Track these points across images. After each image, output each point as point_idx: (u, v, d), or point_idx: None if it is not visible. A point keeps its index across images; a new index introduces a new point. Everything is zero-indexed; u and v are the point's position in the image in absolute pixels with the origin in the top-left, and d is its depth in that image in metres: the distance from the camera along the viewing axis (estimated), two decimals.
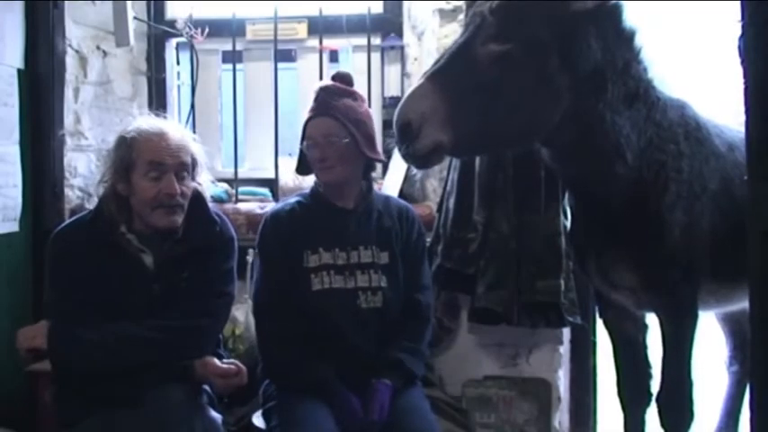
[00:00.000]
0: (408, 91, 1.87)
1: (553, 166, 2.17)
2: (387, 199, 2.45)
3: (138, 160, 2.07)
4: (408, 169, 3.02)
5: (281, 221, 2.31)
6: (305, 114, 2.32)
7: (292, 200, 2.39)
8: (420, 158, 1.88)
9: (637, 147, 2.01)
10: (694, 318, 2.13)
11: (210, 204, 2.25)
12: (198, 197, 2.18)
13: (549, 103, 1.90)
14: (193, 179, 2.16)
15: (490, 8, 1.86)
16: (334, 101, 2.27)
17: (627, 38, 2.00)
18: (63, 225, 2.24)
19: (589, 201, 2.15)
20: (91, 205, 2.20)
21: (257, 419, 2.28)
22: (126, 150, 2.08)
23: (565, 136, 1.98)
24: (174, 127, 2.19)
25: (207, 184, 2.26)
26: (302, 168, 2.39)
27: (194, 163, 2.15)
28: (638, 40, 2.03)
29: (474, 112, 1.83)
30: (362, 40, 3.15)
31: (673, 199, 2.03)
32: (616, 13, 1.95)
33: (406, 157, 1.91)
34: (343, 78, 2.35)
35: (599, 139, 1.98)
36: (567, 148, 2.02)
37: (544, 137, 1.99)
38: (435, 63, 1.90)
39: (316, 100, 2.29)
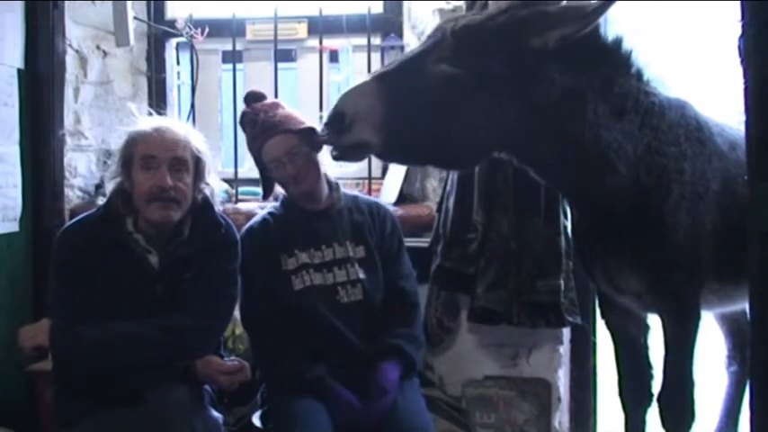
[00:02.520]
0: (353, 84, 1.89)
1: (546, 185, 2.17)
2: (355, 197, 2.50)
3: (135, 155, 2.10)
4: (408, 169, 3.02)
5: (255, 236, 2.34)
6: (248, 144, 2.35)
7: (264, 213, 2.42)
8: (340, 149, 1.90)
9: (633, 155, 2.00)
10: (697, 318, 2.13)
11: (218, 207, 2.26)
12: (205, 200, 2.18)
13: (489, 133, 1.91)
14: (200, 179, 2.16)
15: (452, 29, 1.87)
16: (273, 117, 2.31)
17: (607, 56, 1.99)
18: (71, 222, 2.24)
19: (590, 210, 2.15)
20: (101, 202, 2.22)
21: (257, 420, 2.29)
22: (126, 146, 2.12)
23: (549, 157, 1.99)
24: (177, 124, 2.20)
25: (216, 185, 2.27)
26: (267, 193, 2.44)
27: (198, 162, 2.15)
28: (624, 51, 2.02)
29: (409, 123, 1.85)
30: (362, 40, 3.15)
31: (676, 201, 2.02)
32: (591, 37, 1.91)
33: (327, 142, 1.94)
34: (258, 96, 2.38)
35: (584, 157, 1.98)
36: (552, 168, 2.03)
37: (477, 164, 2.03)
38: (389, 64, 1.92)
39: (254, 125, 2.31)
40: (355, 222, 2.38)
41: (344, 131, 1.85)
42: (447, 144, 1.91)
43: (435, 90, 1.85)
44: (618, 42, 2.01)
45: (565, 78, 1.91)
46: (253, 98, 2.38)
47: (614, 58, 2.00)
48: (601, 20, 1.86)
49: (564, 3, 1.95)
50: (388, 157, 2.11)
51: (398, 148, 1.92)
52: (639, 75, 2.05)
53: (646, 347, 2.37)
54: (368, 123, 1.84)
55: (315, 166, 2.33)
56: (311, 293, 2.27)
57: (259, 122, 2.31)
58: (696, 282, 2.11)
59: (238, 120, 2.41)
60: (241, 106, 3.28)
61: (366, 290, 2.31)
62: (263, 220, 2.37)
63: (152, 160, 2.07)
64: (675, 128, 2.07)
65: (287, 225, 2.35)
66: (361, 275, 2.31)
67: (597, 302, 2.47)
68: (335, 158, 2.00)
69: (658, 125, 2.04)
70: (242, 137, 3.36)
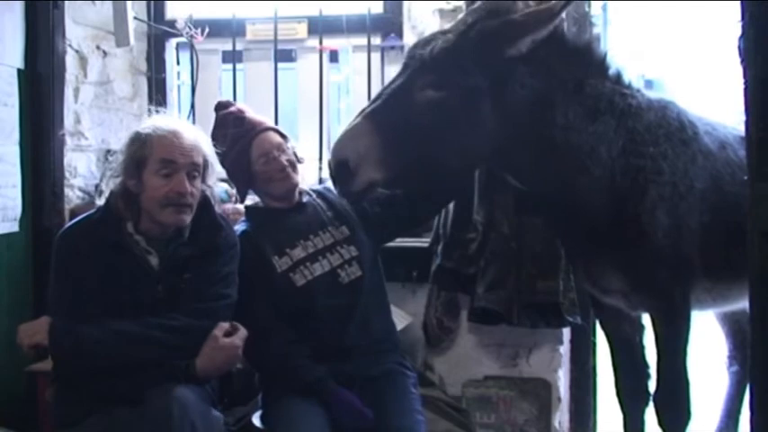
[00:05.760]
0: (345, 128, 1.95)
1: (522, 188, 2.18)
2: (312, 189, 2.53)
3: (151, 157, 2.08)
4: None
5: (241, 247, 2.27)
6: (231, 143, 2.34)
7: (238, 227, 2.38)
8: (354, 194, 1.98)
9: (607, 157, 2.03)
10: (687, 317, 2.14)
11: (217, 208, 2.26)
12: (205, 201, 2.18)
13: (478, 144, 1.96)
14: (204, 181, 2.16)
15: (432, 55, 1.91)
16: (253, 118, 2.39)
17: (578, 53, 2.03)
18: (71, 223, 2.23)
19: (568, 212, 2.15)
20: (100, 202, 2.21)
21: (257, 420, 2.29)
22: (139, 147, 2.09)
23: (521, 162, 2.02)
24: (188, 127, 2.19)
25: (216, 185, 2.27)
26: (244, 197, 2.46)
27: (206, 165, 2.16)
28: (596, 53, 2.07)
29: (407, 152, 1.91)
30: (362, 40, 3.15)
31: (653, 201, 2.04)
32: (556, 37, 1.95)
33: (339, 193, 2.02)
34: (227, 103, 2.47)
35: (555, 160, 2.01)
36: (525, 172, 2.06)
37: (470, 176, 2.08)
38: (373, 101, 1.97)
39: (241, 123, 2.36)
40: (325, 208, 2.41)
41: (352, 177, 1.91)
42: (444, 163, 1.97)
43: (425, 116, 1.90)
44: (588, 44, 2.08)
45: (534, 80, 1.95)
46: (224, 105, 2.46)
47: (585, 60, 2.04)
48: (564, 17, 1.93)
49: (521, 5, 1.98)
50: (393, 187, 2.14)
51: (401, 177, 1.97)
52: (617, 77, 2.08)
53: (641, 347, 2.38)
54: (371, 162, 1.89)
55: (296, 162, 2.39)
56: (315, 285, 2.27)
57: (247, 119, 2.38)
58: (683, 280, 2.12)
59: (217, 122, 2.41)
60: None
61: (363, 265, 2.33)
62: (242, 232, 2.34)
63: (171, 165, 2.06)
64: (654, 129, 2.08)
65: (267, 228, 2.35)
66: (354, 252, 2.34)
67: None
68: (351, 203, 2.13)
69: (634, 126, 2.06)
70: None
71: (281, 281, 2.27)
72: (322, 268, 2.30)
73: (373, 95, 3.05)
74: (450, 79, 1.90)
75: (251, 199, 2.51)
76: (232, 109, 2.42)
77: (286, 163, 2.33)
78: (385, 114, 1.92)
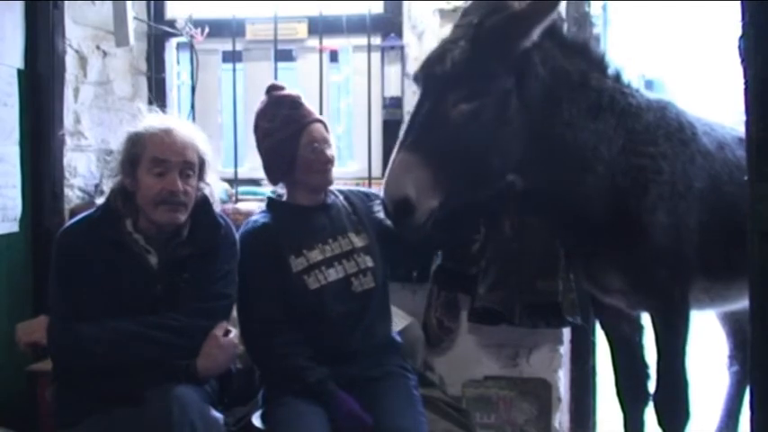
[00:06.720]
0: (392, 165, 1.91)
1: (526, 187, 2.18)
2: (342, 191, 2.51)
3: (143, 156, 2.08)
4: None
5: (258, 240, 2.28)
6: (281, 125, 2.32)
7: (258, 218, 2.37)
8: (418, 228, 1.92)
9: (608, 156, 2.03)
10: (686, 317, 2.14)
11: (217, 206, 2.25)
12: (204, 200, 2.18)
13: (512, 141, 1.95)
14: (201, 179, 2.16)
15: (452, 67, 1.88)
16: (308, 106, 2.37)
17: (577, 49, 2.04)
18: (70, 222, 2.23)
19: (569, 211, 2.15)
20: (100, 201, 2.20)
21: (257, 420, 2.28)
22: (133, 146, 2.10)
23: (527, 159, 2.00)
24: (182, 125, 2.19)
25: (216, 184, 2.26)
26: (276, 181, 2.43)
27: (202, 162, 2.15)
28: (596, 51, 2.08)
29: (456, 170, 1.89)
30: (362, 40, 3.15)
31: (653, 201, 2.04)
32: (555, 28, 1.96)
33: (404, 231, 1.97)
34: (281, 86, 2.43)
35: (560, 157, 2.01)
36: (531, 169, 2.05)
37: (511, 170, 2.03)
38: (407, 131, 1.94)
39: (296, 107, 2.33)
40: (348, 212, 2.40)
41: (415, 211, 1.88)
42: (490, 170, 1.96)
43: (465, 130, 1.87)
44: (586, 42, 2.10)
45: (544, 70, 1.95)
46: (279, 87, 2.42)
47: (585, 56, 2.04)
48: (564, 17, 1.92)
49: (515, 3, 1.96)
50: (446, 208, 2.05)
51: (452, 195, 1.94)
52: (617, 76, 2.09)
53: (641, 347, 2.39)
54: (428, 191, 1.87)
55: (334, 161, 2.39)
56: (327, 290, 2.26)
57: (304, 106, 2.36)
58: (681, 279, 2.12)
59: (270, 101, 2.37)
60: (241, 106, 3.28)
61: (376, 276, 2.32)
62: (263, 224, 2.32)
63: (163, 164, 2.06)
64: (654, 129, 2.09)
65: (288, 225, 2.32)
66: (370, 263, 2.32)
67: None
68: (411, 239, 2.07)
69: (633, 126, 2.07)
70: (242, 137, 3.37)
71: (295, 281, 2.25)
72: (336, 274, 2.28)
73: (373, 96, 3.10)
74: (479, 88, 1.87)
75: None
76: (290, 92, 2.39)
77: (325, 158, 2.32)
78: (426, 141, 1.88)
